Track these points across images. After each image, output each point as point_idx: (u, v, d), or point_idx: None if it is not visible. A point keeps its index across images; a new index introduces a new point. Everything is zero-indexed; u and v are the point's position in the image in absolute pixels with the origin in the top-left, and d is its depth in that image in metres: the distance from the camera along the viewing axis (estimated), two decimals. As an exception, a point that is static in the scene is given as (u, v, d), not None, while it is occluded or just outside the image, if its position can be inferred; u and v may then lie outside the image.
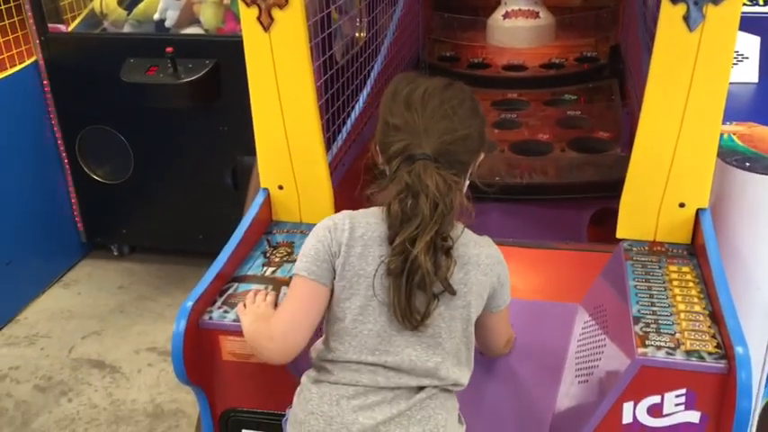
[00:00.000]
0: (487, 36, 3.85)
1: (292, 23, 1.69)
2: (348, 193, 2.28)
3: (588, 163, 2.81)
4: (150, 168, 3.34)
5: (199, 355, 1.53)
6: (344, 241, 1.29)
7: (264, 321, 1.40)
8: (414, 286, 1.22)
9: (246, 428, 1.64)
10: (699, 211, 1.69)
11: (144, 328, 3.10)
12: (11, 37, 3.13)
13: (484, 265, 1.34)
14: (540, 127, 3.10)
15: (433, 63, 3.72)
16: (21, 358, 2.94)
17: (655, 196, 1.70)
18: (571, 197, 2.74)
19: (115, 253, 3.63)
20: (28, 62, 3.20)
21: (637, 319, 1.48)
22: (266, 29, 1.70)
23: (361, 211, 1.34)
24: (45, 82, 3.25)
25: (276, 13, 1.68)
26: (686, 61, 1.57)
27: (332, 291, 1.31)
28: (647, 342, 1.41)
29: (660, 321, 1.46)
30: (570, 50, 3.73)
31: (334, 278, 1.30)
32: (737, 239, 1.77)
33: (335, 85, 2.29)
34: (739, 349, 1.33)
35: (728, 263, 1.66)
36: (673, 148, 1.65)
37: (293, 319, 1.33)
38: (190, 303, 1.53)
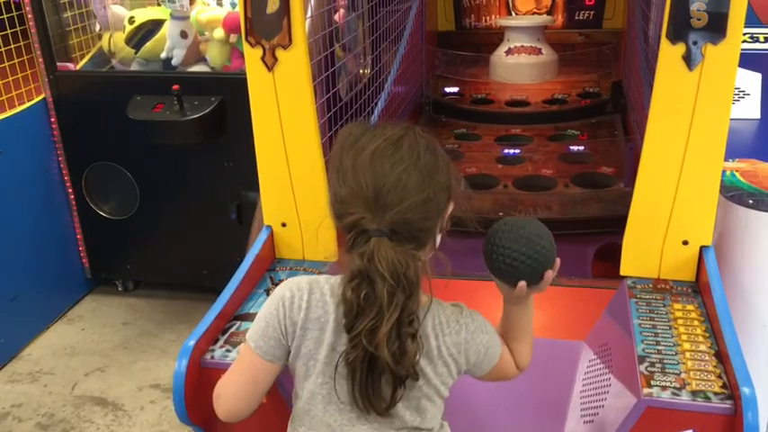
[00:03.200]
0: (490, 72, 3.89)
1: (296, 64, 1.71)
2: None
3: (592, 198, 2.82)
4: (156, 204, 3.35)
5: (200, 395, 1.51)
6: (299, 322, 1.18)
7: None
8: (375, 377, 1.12)
9: (249, 470, 1.63)
10: (702, 249, 1.69)
11: (147, 364, 3.08)
12: (20, 75, 3.17)
13: (446, 357, 1.20)
14: (543, 162, 3.11)
15: (437, 99, 3.76)
16: (23, 395, 2.93)
17: (658, 234, 1.70)
18: (575, 233, 2.74)
19: (120, 288, 3.63)
20: (37, 99, 3.23)
21: (642, 359, 1.47)
22: (270, 69, 1.72)
23: (324, 280, 1.21)
24: (53, 119, 3.28)
25: (280, 53, 1.71)
26: (686, 100, 1.58)
27: (284, 365, 1.23)
28: (652, 382, 1.39)
29: (665, 361, 1.45)
30: (573, 86, 3.76)
31: (289, 355, 1.21)
32: (741, 276, 1.76)
33: (340, 122, 2.30)
34: (745, 390, 1.32)
35: (733, 300, 1.66)
36: (675, 185, 1.65)
37: (238, 391, 1.24)
38: (192, 342, 1.53)
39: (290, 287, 1.20)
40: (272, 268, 1.87)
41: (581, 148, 3.21)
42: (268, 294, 1.75)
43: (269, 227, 1.89)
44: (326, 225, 1.84)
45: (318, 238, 1.87)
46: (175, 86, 2.96)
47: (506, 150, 3.23)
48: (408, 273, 1.09)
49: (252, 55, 1.72)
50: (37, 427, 2.75)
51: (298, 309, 1.18)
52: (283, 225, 1.88)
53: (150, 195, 3.33)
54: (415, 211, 1.11)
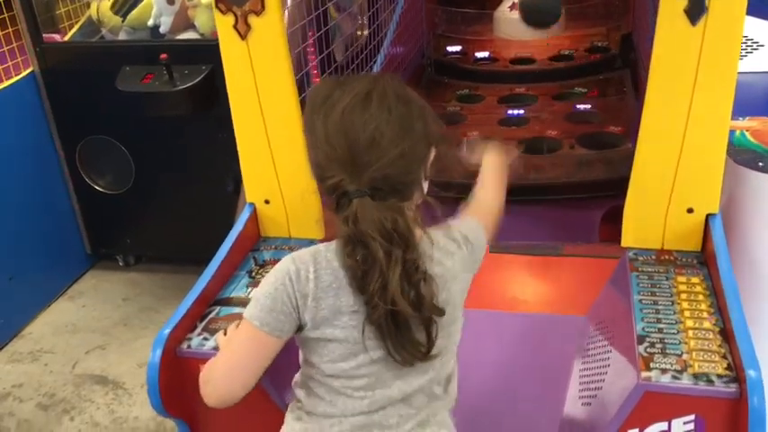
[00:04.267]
0: (494, 29, 3.73)
1: (270, 31, 1.61)
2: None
3: (598, 160, 2.70)
4: (151, 177, 3.27)
5: (177, 386, 1.45)
6: (310, 293, 1.12)
7: None
8: (404, 328, 1.09)
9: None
10: (709, 217, 1.58)
11: (148, 341, 2.99)
12: (6, 48, 3.07)
13: (460, 277, 1.20)
14: (548, 123, 2.98)
15: (439, 59, 3.62)
16: (24, 375, 2.90)
17: (660, 202, 1.59)
18: (581, 196, 2.63)
19: (120, 263, 3.58)
20: (25, 73, 3.14)
21: (641, 338, 1.37)
22: (243, 37, 1.62)
23: (324, 248, 1.15)
24: (42, 93, 3.19)
25: (253, 20, 1.60)
26: (689, 57, 1.46)
27: (288, 339, 1.17)
28: (651, 364, 1.31)
29: (666, 340, 1.36)
30: (580, 41, 3.60)
31: (301, 329, 1.15)
32: (751, 246, 1.66)
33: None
34: (751, 372, 1.22)
35: (742, 271, 1.56)
36: (678, 150, 1.54)
37: (235, 368, 1.18)
38: (167, 331, 1.46)
39: (294, 260, 1.15)
40: (255, 248, 1.79)
41: (587, 106, 3.08)
42: (251, 276, 1.67)
43: (251, 204, 1.81)
44: (311, 201, 1.78)
45: (304, 214, 1.79)
46: (163, 56, 2.86)
47: (510, 111, 3.11)
48: (398, 227, 1.05)
49: (223, 23, 1.61)
50: (38, 408, 2.72)
51: (305, 280, 1.13)
52: (266, 202, 1.80)
53: (145, 169, 3.25)
54: (393, 167, 1.07)
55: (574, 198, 2.63)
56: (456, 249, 1.19)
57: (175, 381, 1.44)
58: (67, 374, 2.89)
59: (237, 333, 1.19)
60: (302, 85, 2.28)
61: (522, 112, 3.09)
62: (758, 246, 1.65)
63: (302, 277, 1.12)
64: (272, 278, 1.15)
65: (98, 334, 3.13)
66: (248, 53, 1.63)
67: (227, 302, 1.59)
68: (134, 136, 3.19)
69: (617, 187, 2.41)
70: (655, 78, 1.51)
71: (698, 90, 1.47)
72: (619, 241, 1.74)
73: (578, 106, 3.09)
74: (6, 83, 3.08)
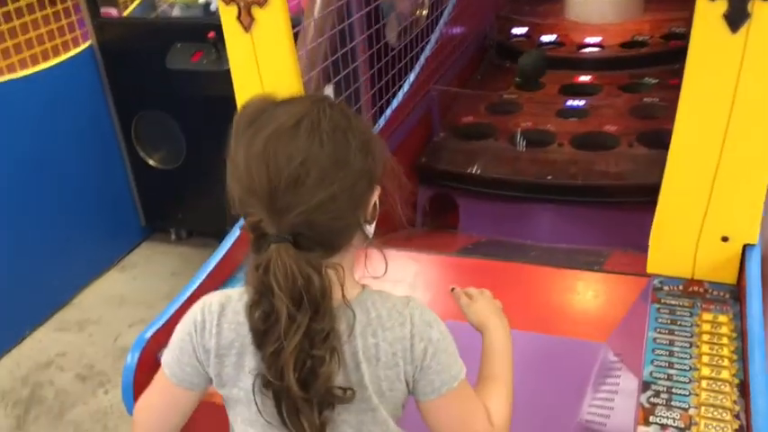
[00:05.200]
0: (566, 10, 3.52)
1: (274, 22, 1.52)
2: None
3: (656, 161, 2.47)
4: (202, 154, 3.27)
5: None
6: (213, 349, 1.01)
7: None
8: (291, 405, 0.94)
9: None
10: (746, 248, 1.40)
11: (188, 318, 3.06)
12: (64, 22, 3.12)
13: (385, 358, 0.98)
14: (609, 116, 2.78)
15: (502, 41, 3.44)
16: (69, 344, 2.98)
17: (692, 227, 1.43)
18: (634, 200, 2.44)
19: (173, 237, 3.62)
20: (83, 47, 3.18)
21: (647, 385, 1.23)
22: (247, 29, 1.54)
23: (238, 296, 1.01)
24: (100, 67, 3.23)
25: (257, 12, 1.52)
26: (728, 67, 1.28)
27: (207, 390, 1.08)
28: (651, 418, 1.17)
29: (674, 390, 1.21)
30: (658, 27, 3.34)
31: (212, 380, 1.05)
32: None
33: (386, 76, 2.09)
34: (762, 442, 1.07)
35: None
36: (713, 171, 1.37)
37: (154, 419, 1.10)
38: (148, 334, 1.42)
39: (203, 309, 1.03)
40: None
41: (655, 99, 2.85)
42: (248, 278, 1.61)
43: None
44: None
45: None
46: (211, 34, 2.82)
47: (569, 102, 2.92)
48: (311, 288, 0.89)
49: (227, 14, 1.54)
50: (76, 378, 2.79)
51: (209, 334, 1.01)
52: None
53: (196, 145, 3.26)
54: (320, 211, 0.91)
55: (628, 201, 2.44)
56: (398, 328, 0.98)
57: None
58: (109, 347, 2.95)
59: (157, 377, 1.10)
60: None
61: (582, 103, 2.90)
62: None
63: (206, 330, 1.01)
64: (181, 325, 1.05)
65: (144, 307, 3.17)
66: (252, 46, 1.55)
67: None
68: (185, 112, 3.19)
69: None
70: (689, 90, 1.34)
71: (737, 104, 1.29)
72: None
73: (645, 99, 2.86)
74: (64, 56, 3.12)
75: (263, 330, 0.91)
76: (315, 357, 0.91)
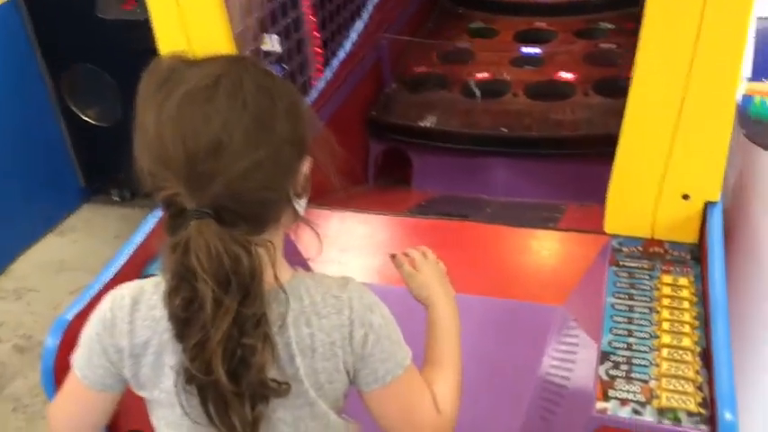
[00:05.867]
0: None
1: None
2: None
3: (613, 110, 2.40)
4: (141, 110, 3.10)
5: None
6: (126, 348, 0.90)
7: None
8: (220, 399, 0.84)
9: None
10: (707, 206, 1.33)
11: (133, 283, 2.93)
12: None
13: (322, 349, 0.88)
14: (564, 64, 2.68)
15: (453, -11, 3.30)
16: (6, 314, 2.83)
17: (650, 185, 1.35)
18: (590, 152, 2.36)
19: (115, 198, 3.45)
20: (6, -3, 2.95)
21: (605, 356, 1.16)
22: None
23: (152, 287, 0.90)
24: (25, 16, 3.00)
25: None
26: (691, 11, 1.18)
27: (124, 389, 0.96)
28: (610, 392, 1.10)
29: (634, 361, 1.15)
30: (614, -32, 3.22)
31: (128, 381, 0.94)
32: (762, 240, 1.40)
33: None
34: (727, 415, 1.01)
35: (749, 269, 1.32)
36: (673, 123, 1.28)
37: (70, 422, 0.99)
38: (69, 316, 1.30)
39: (113, 303, 0.92)
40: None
41: (612, 45, 2.75)
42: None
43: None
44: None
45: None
46: (143, -20, 2.63)
47: (524, 50, 2.81)
48: (240, 268, 0.79)
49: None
50: (14, 350, 2.65)
51: (120, 333, 0.90)
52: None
53: (134, 100, 3.07)
54: (246, 180, 0.81)
55: (584, 153, 2.37)
56: (334, 315, 0.89)
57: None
58: (48, 315, 2.80)
59: (69, 378, 0.98)
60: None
61: (537, 50, 2.79)
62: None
63: (117, 327, 0.90)
64: (89, 323, 0.94)
65: (85, 273, 3.01)
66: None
67: (150, 281, 1.41)
68: (120, 65, 2.99)
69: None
70: (648, 35, 1.25)
71: (700, 52, 1.20)
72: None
73: (601, 45, 2.77)
74: (-14, 7, 2.89)
75: (185, 319, 0.81)
76: (245, 346, 0.82)
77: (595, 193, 2.34)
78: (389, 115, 2.56)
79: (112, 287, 1.35)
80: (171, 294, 0.82)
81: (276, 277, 0.84)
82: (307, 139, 0.88)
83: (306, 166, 0.88)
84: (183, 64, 0.85)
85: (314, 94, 2.25)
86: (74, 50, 3.03)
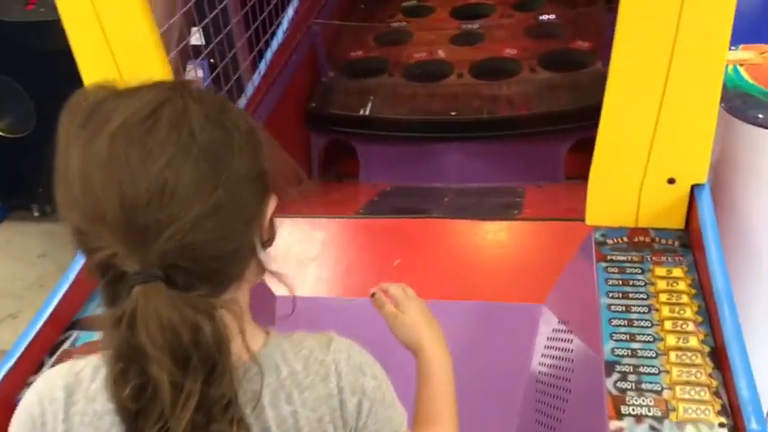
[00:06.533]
0: None
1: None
2: None
3: (563, 85, 2.33)
4: (56, 116, 2.84)
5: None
6: None
7: None
8: None
9: None
10: (694, 189, 1.24)
11: (65, 306, 2.71)
12: None
13: (308, 428, 0.73)
14: (505, 39, 2.58)
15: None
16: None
17: (634, 170, 1.25)
18: (543, 130, 2.27)
19: (36, 213, 3.20)
20: None
21: (611, 366, 1.06)
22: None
23: (91, 371, 0.73)
24: None
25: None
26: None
27: None
28: (623, 408, 1.00)
29: (642, 368, 1.05)
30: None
31: None
32: (746, 216, 1.33)
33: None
34: (753, 425, 0.92)
35: (734, 247, 1.24)
36: (657, 102, 1.18)
37: None
38: (-1, 376, 1.12)
39: (39, 397, 0.74)
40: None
41: (551, 17, 2.66)
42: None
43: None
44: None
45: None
46: (45, -24, 2.40)
47: (462, 26, 2.69)
48: (201, 340, 0.64)
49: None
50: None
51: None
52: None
53: (48, 108, 2.82)
54: (201, 230, 0.65)
55: (534, 133, 2.28)
56: (320, 385, 0.74)
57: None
58: (-26, 351, 2.57)
59: None
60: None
61: (476, 26, 2.67)
62: (755, 216, 1.32)
63: (49, 427, 0.72)
64: (14, 419, 0.75)
65: (10, 299, 2.80)
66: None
67: (89, 324, 1.24)
68: (28, 70, 2.75)
69: (585, 116, 2.08)
70: (628, 6, 1.13)
71: (685, 17, 1.10)
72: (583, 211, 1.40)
73: (541, 17, 2.67)
74: None
75: (137, 412, 0.64)
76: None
77: (551, 172, 2.30)
78: (329, 105, 2.41)
79: (49, 334, 1.20)
80: (116, 382, 0.65)
81: (246, 346, 0.69)
82: (269, 174, 0.72)
83: (271, 206, 0.73)
84: (112, 94, 0.68)
85: (249, 89, 2.08)
86: (-26, 57, 2.77)
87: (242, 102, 2.03)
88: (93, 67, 1.32)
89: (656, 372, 1.04)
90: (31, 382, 1.11)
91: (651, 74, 1.16)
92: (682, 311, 1.13)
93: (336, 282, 1.55)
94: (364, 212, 1.98)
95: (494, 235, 1.61)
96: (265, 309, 1.50)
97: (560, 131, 2.25)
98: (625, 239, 1.29)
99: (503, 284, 1.48)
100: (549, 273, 1.43)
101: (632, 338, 1.09)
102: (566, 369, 1.23)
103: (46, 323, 1.21)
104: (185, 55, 1.79)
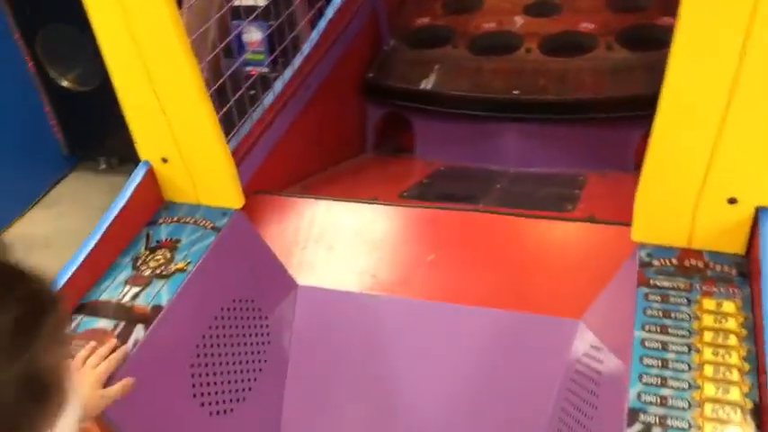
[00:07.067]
0: None
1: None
2: (283, 166, 1.75)
3: (641, 65, 2.13)
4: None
5: None
6: None
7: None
8: None
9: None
10: (759, 211, 1.08)
11: (120, 262, 2.75)
12: None
13: None
14: (584, 11, 2.38)
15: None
16: (-12, 298, 2.67)
17: (690, 184, 1.10)
18: (615, 116, 2.10)
19: (102, 166, 3.24)
20: (-33, -49, 2.69)
21: (634, 414, 0.94)
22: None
23: None
24: (-9, -25, 2.75)
25: None
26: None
27: None
28: (639, 467, 0.88)
29: (670, 422, 0.93)
30: None
31: None
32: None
33: None
34: None
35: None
36: (721, 113, 1.02)
37: None
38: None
39: None
40: (153, 220, 1.39)
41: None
42: (135, 267, 1.28)
43: (146, 163, 1.39)
44: (219, 161, 1.35)
45: (212, 175, 1.36)
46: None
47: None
48: None
49: None
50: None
51: None
52: (164, 161, 1.37)
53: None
54: None
55: (606, 118, 2.10)
56: None
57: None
58: (33, 300, 2.64)
59: None
60: None
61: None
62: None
63: None
64: None
65: (72, 251, 2.84)
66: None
67: (93, 309, 1.20)
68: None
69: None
70: (689, 5, 0.97)
71: (759, 19, 0.94)
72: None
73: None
74: (-55, -37, 2.64)
75: None
76: None
77: (620, 160, 2.12)
78: (388, 77, 2.29)
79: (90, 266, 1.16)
80: None
81: None
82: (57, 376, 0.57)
83: (68, 417, 0.57)
84: None
85: (305, 50, 1.98)
86: (47, 9, 2.78)
87: (297, 61, 1.93)
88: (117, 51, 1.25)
89: (686, 427, 0.91)
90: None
91: (717, 77, 1.00)
92: (727, 356, 0.99)
93: (364, 274, 1.46)
94: (408, 195, 1.88)
95: (538, 236, 1.49)
96: (286, 298, 1.44)
97: (634, 118, 2.07)
98: (674, 261, 1.14)
99: (540, 293, 1.36)
100: (592, 284, 1.30)
101: (664, 383, 0.97)
102: (589, 404, 1.11)
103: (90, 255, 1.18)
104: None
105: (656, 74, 2.15)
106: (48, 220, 3.02)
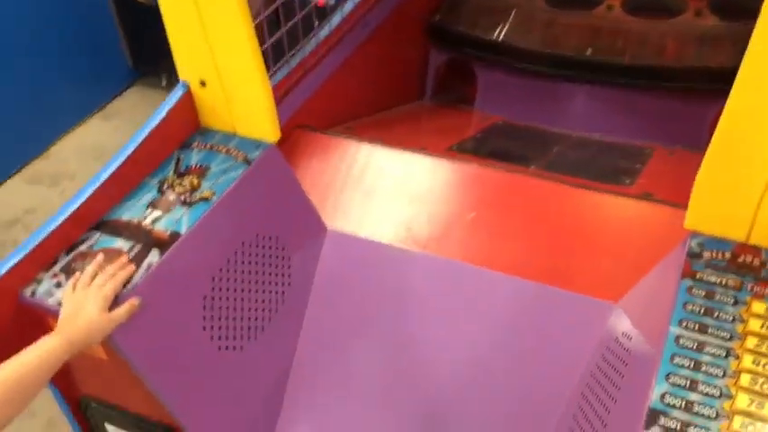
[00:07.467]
0: None
1: None
2: (331, 105, 1.67)
3: (728, 36, 1.96)
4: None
5: (16, 339, 1.09)
6: None
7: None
8: None
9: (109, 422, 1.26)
10: (833, 212, 0.97)
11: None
12: None
13: None
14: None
15: None
16: (39, 200, 2.72)
17: (758, 173, 0.99)
18: (692, 86, 1.95)
19: (164, 83, 3.23)
20: None
21: (654, 416, 0.86)
22: None
23: None
24: None
25: None
26: None
27: None
28: (648, 477, 0.81)
29: (692, 430, 0.85)
30: None
31: None
32: None
33: None
34: None
35: None
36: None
37: None
38: (4, 269, 1.08)
39: None
40: (187, 143, 1.35)
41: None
42: (160, 191, 1.25)
43: (185, 84, 1.34)
44: (257, 89, 1.29)
45: (249, 104, 1.30)
46: None
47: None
48: None
49: None
50: (42, 242, 2.55)
51: None
52: (202, 84, 1.32)
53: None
54: None
55: (681, 88, 1.96)
56: None
57: (12, 333, 1.08)
58: (81, 208, 2.68)
59: None
60: None
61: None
62: None
63: None
64: None
65: (125, 164, 2.87)
66: None
67: (113, 228, 1.18)
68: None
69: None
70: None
71: None
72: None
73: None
74: None
75: None
76: None
77: (692, 136, 1.98)
78: (455, 22, 2.17)
79: (71, 231, 1.14)
80: None
81: None
82: None
83: None
84: None
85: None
86: None
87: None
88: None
89: (709, 438, 0.83)
90: (40, 279, 1.08)
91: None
92: (768, 367, 0.89)
93: (399, 226, 1.40)
94: (458, 149, 1.79)
95: (585, 209, 1.39)
96: (313, 241, 1.39)
97: (714, 92, 1.91)
98: (727, 255, 1.04)
99: (579, 270, 1.27)
100: (634, 268, 1.21)
101: (693, 387, 0.88)
102: (610, 396, 1.04)
103: (67, 219, 1.16)
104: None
105: (743, 46, 2.00)
106: (105, 132, 3.04)
